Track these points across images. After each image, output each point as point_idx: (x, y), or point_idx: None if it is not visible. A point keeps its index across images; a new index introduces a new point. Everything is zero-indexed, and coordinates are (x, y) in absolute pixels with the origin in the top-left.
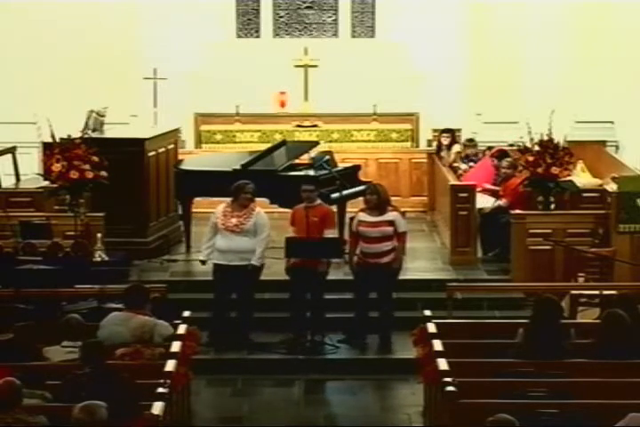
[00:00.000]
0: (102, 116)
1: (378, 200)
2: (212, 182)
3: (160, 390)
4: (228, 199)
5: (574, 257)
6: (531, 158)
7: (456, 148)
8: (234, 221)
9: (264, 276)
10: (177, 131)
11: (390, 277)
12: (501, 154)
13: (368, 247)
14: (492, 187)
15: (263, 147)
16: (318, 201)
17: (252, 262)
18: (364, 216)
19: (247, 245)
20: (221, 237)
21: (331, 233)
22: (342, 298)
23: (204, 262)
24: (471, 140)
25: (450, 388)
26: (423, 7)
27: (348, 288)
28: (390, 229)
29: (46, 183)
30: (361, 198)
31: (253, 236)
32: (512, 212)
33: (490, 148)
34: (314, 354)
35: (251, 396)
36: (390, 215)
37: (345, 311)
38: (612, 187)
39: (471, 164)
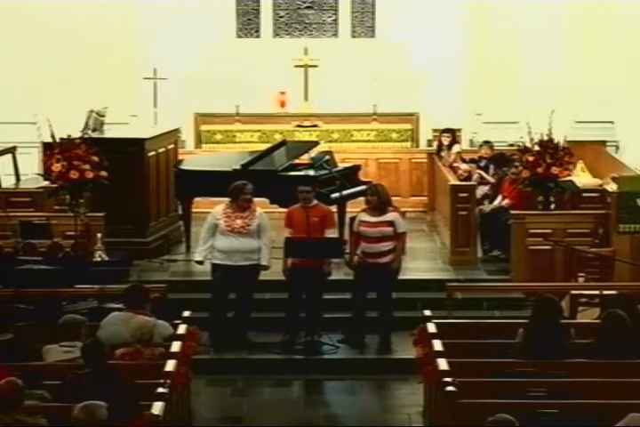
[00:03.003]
0: (102, 116)
1: (378, 201)
2: (212, 182)
3: (160, 390)
4: (227, 200)
5: (574, 257)
6: (531, 158)
7: (456, 148)
8: (239, 222)
9: (264, 276)
10: (177, 131)
11: (389, 278)
12: (500, 158)
13: (368, 247)
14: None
15: (263, 147)
16: (315, 201)
17: (263, 263)
18: (364, 216)
19: (253, 245)
20: (224, 238)
21: (331, 233)
22: (342, 298)
23: (201, 263)
24: (487, 142)
25: (450, 388)
26: (423, 7)
27: (347, 288)
28: (389, 229)
29: (46, 183)
30: (361, 198)
31: (257, 236)
32: (512, 212)
33: (487, 142)
34: (314, 354)
35: (251, 396)
36: (390, 216)
37: (345, 311)
38: (612, 187)
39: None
